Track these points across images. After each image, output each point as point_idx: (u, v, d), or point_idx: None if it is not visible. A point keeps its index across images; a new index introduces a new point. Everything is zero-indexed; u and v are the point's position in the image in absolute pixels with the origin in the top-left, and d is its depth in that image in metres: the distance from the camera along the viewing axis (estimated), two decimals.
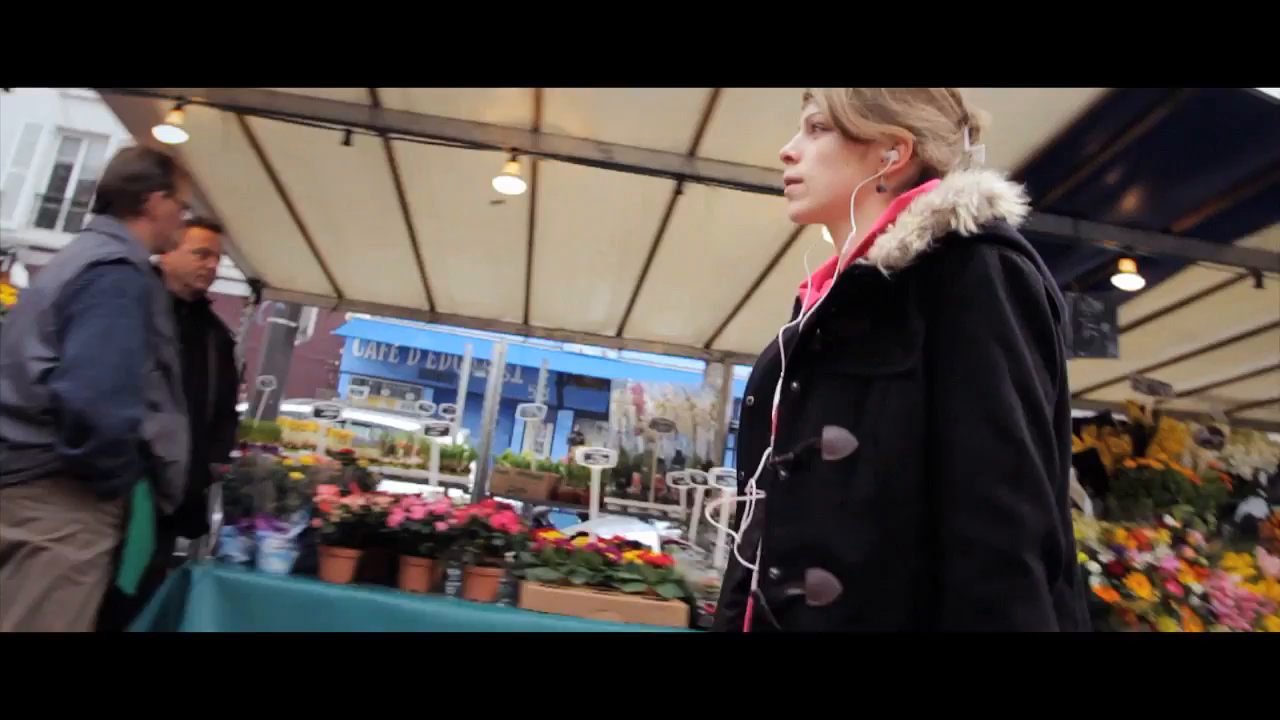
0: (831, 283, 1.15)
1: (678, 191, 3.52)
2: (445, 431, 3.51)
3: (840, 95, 1.16)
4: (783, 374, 1.14)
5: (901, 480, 0.99)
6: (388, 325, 12.54)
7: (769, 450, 1.14)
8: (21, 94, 12.05)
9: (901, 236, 1.04)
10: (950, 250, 1.03)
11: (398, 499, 2.91)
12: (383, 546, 2.87)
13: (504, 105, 3.39)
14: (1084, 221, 3.75)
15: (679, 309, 5.20)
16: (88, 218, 2.69)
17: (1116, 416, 4.68)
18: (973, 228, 1.03)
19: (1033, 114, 3.19)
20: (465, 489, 5.64)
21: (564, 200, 3.95)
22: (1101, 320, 3.62)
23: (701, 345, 5.75)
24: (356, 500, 2.81)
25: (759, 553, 1.11)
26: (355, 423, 8.48)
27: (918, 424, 1.00)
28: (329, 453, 3.66)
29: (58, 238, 11.88)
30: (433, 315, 5.60)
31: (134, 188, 2.64)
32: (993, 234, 1.04)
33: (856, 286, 1.08)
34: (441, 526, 2.80)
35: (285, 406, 6.70)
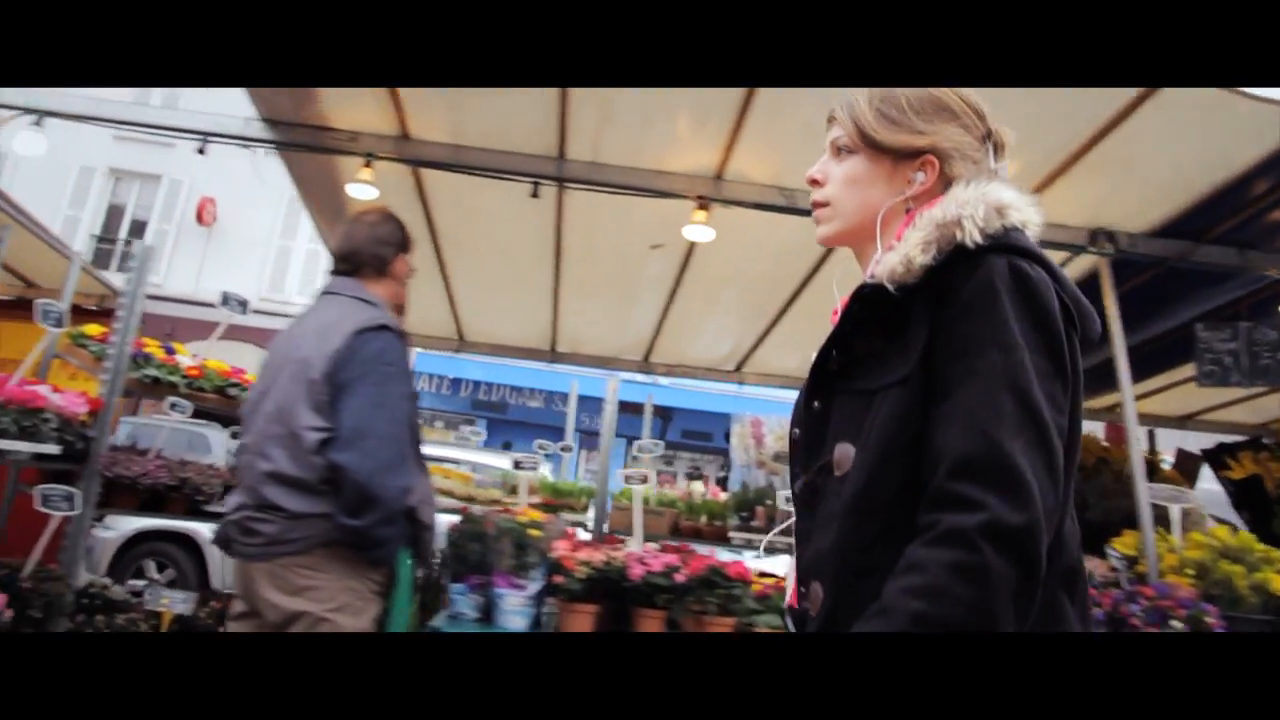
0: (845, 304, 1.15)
1: None
2: (644, 480, 3.51)
3: (865, 112, 1.16)
4: (804, 395, 1.16)
5: (882, 484, 0.98)
6: (440, 357, 12.52)
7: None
8: (76, 137, 12.15)
9: (905, 252, 1.03)
10: (959, 262, 1.01)
11: (629, 551, 2.92)
12: (616, 600, 2.88)
13: (690, 154, 3.44)
14: (1251, 251, 3.79)
15: (807, 344, 5.22)
16: (329, 279, 2.67)
17: (1266, 440, 4.71)
18: (979, 239, 1.00)
19: (1208, 161, 3.28)
20: (585, 526, 5.63)
21: (725, 243, 3.98)
22: (1278, 349, 3.64)
23: None
24: (598, 555, 2.81)
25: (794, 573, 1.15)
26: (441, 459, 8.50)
27: (903, 430, 0.98)
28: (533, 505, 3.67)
29: (114, 278, 11.91)
30: (553, 355, 5.63)
31: (383, 251, 2.64)
32: (1002, 243, 1.01)
33: (865, 305, 1.08)
34: (680, 578, 2.81)
35: None
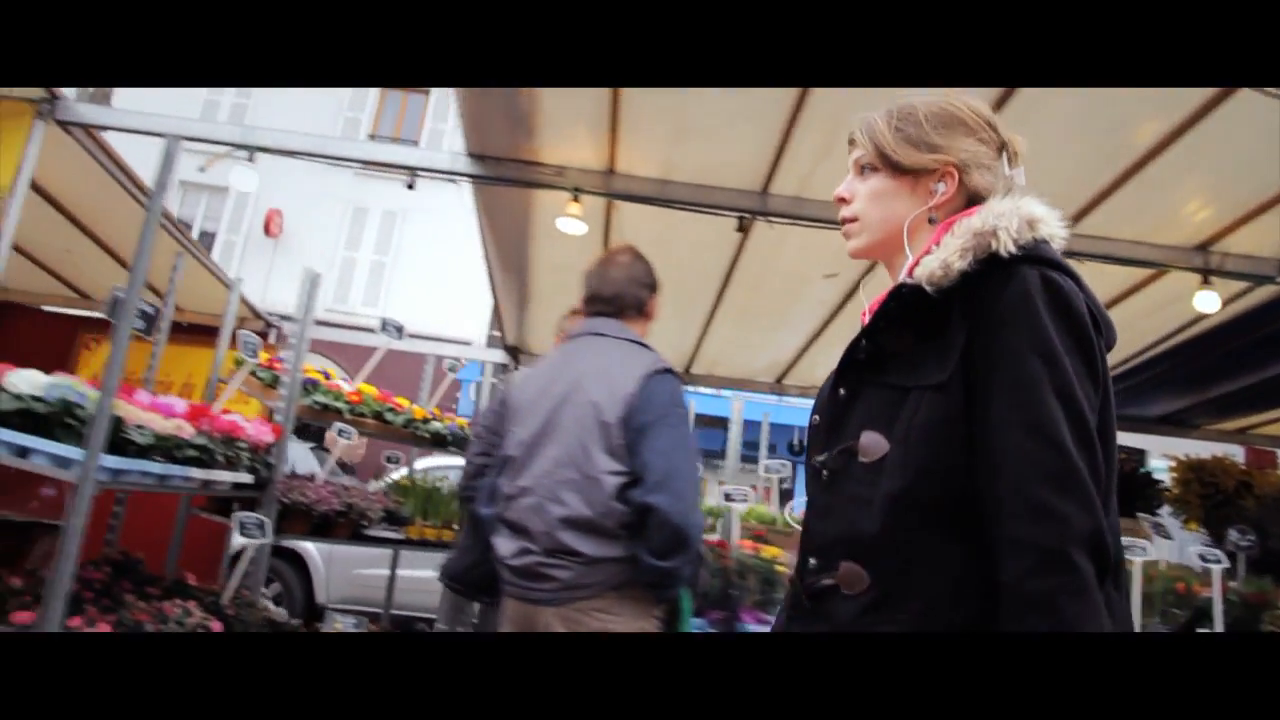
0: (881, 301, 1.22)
1: None
2: None
3: (884, 134, 1.22)
4: (832, 380, 1.23)
5: (925, 482, 1.06)
6: None
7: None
8: (150, 152, 12.27)
9: (943, 257, 1.10)
10: (992, 271, 1.07)
11: None
12: None
13: None
14: None
15: None
16: (590, 320, 2.67)
17: None
18: (1013, 249, 1.07)
19: None
20: None
21: None
22: None
23: None
24: None
25: (801, 544, 1.22)
26: None
27: (945, 434, 1.05)
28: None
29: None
30: (688, 376, 5.65)
31: (642, 292, 2.66)
32: (1033, 255, 1.08)
33: (902, 303, 1.14)
34: None
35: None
